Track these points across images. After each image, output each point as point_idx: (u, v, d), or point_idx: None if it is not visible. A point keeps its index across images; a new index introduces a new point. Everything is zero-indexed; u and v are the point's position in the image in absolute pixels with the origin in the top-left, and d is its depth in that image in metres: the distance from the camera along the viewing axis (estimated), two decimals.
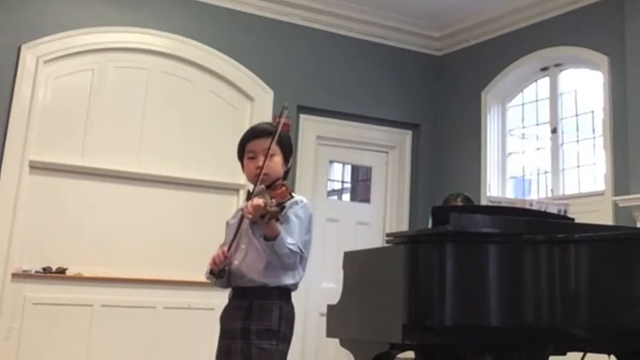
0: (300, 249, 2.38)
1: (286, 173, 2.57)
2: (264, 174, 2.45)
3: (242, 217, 2.43)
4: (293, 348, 2.53)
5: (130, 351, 5.07)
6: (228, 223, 2.60)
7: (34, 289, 4.90)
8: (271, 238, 2.30)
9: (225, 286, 2.52)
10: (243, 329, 2.37)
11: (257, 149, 2.50)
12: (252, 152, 2.52)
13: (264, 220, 2.24)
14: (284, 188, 2.39)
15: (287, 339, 2.43)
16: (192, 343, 5.23)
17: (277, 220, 2.27)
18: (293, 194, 2.45)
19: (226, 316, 2.48)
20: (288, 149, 2.57)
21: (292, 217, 2.41)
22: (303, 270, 2.50)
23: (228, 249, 2.46)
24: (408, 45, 6.54)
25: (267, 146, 2.47)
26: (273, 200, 2.25)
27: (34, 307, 4.87)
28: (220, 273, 2.43)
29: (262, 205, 2.23)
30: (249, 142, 2.54)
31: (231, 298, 2.50)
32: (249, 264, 2.42)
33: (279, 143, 2.51)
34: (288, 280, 2.43)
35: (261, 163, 2.46)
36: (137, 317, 5.14)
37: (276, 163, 2.50)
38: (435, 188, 6.24)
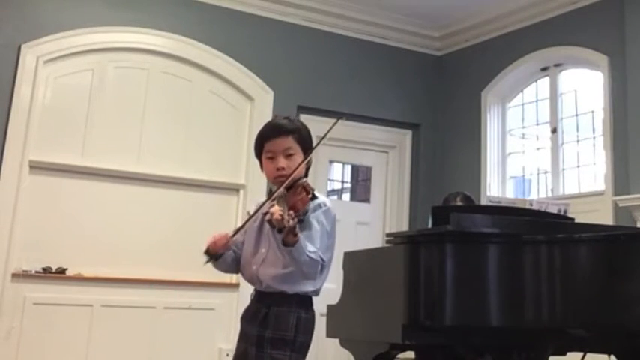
0: (321, 257, 2.29)
1: (307, 170, 2.46)
2: (286, 175, 2.34)
3: (263, 220, 2.31)
4: None
5: (130, 351, 5.06)
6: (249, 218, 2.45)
7: (34, 289, 4.89)
8: (290, 244, 2.18)
9: (225, 271, 2.49)
10: (259, 336, 2.31)
11: (276, 149, 2.38)
12: (272, 152, 2.39)
13: (281, 234, 2.15)
14: (304, 193, 2.27)
15: (303, 348, 2.34)
16: (192, 343, 5.24)
17: (295, 235, 2.17)
18: (316, 194, 2.33)
19: (246, 319, 2.42)
20: (308, 147, 2.43)
21: (314, 223, 2.32)
22: (325, 275, 2.40)
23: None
24: (408, 45, 6.54)
25: (286, 146, 2.38)
26: (291, 212, 2.15)
27: (34, 307, 4.87)
28: (216, 255, 2.36)
29: (280, 218, 2.11)
30: (268, 140, 2.40)
31: (252, 300, 2.44)
32: (267, 270, 2.35)
33: (300, 141, 2.41)
34: (307, 287, 2.35)
35: (281, 164, 2.36)
36: (137, 317, 5.14)
37: (297, 162, 2.37)
38: (435, 188, 6.24)
